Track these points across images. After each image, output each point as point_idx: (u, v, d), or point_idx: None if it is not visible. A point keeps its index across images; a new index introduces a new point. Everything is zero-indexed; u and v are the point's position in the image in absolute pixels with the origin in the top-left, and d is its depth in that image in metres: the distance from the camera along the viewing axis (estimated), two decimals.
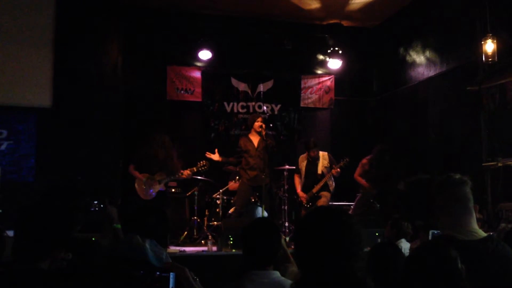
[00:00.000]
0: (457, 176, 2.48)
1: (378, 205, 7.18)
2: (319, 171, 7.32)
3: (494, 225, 5.69)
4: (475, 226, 2.44)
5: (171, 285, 1.13)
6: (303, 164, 7.43)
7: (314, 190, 7.26)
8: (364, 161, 7.43)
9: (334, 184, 7.38)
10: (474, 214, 2.48)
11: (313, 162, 7.35)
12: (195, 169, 6.58)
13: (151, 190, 6.49)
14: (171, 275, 1.15)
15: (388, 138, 8.86)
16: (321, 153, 7.41)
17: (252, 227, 2.71)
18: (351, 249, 1.58)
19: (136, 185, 6.55)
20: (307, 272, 1.62)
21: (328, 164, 7.33)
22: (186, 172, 6.53)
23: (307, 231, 1.66)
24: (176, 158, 6.66)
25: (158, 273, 1.13)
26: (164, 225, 2.65)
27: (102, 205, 2.19)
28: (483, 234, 2.44)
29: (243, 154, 6.92)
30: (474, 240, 2.36)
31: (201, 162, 6.61)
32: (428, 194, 2.51)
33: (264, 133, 6.77)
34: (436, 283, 1.94)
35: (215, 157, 6.87)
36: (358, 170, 7.45)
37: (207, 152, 6.88)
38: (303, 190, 7.38)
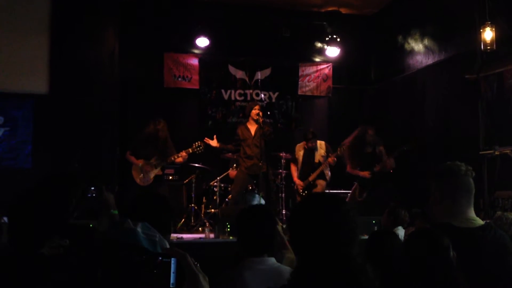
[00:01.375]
0: (462, 165, 2.46)
1: (373, 193, 7.15)
2: (316, 160, 7.33)
3: (490, 213, 5.72)
4: (473, 215, 2.45)
5: (172, 270, 1.11)
6: (300, 153, 7.43)
7: (310, 178, 7.28)
8: (346, 145, 7.18)
9: (330, 173, 7.39)
10: (472, 204, 2.48)
11: (310, 151, 7.35)
12: (190, 150, 6.57)
13: (147, 177, 6.50)
14: (173, 260, 1.13)
15: (385, 126, 8.86)
16: (318, 142, 7.41)
17: (246, 214, 2.72)
18: (348, 235, 1.58)
19: (133, 171, 6.56)
20: (305, 259, 1.62)
21: (325, 153, 7.33)
22: (182, 154, 6.52)
23: (303, 217, 1.66)
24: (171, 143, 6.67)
25: (160, 258, 1.13)
26: (166, 211, 2.64)
27: (98, 191, 2.18)
28: (481, 222, 2.44)
29: (240, 143, 6.91)
30: (470, 228, 2.37)
31: (197, 143, 6.59)
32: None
33: (261, 120, 6.76)
34: (428, 271, 1.96)
35: (213, 143, 6.87)
36: (347, 161, 7.29)
37: (206, 138, 6.86)
38: (300, 178, 7.39)
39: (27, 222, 1.92)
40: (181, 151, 6.57)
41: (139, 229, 2.29)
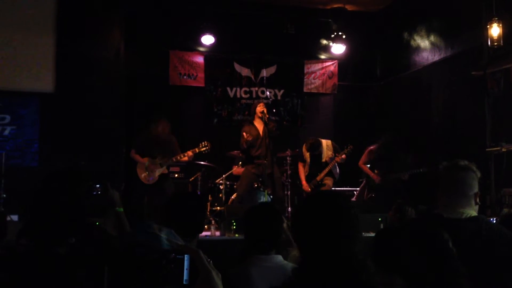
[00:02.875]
0: (464, 162, 2.54)
1: (381, 192, 7.16)
2: (323, 159, 7.30)
3: (497, 211, 5.69)
4: (466, 209, 2.48)
5: (185, 266, 1.12)
6: (307, 154, 7.40)
7: (318, 178, 7.25)
8: (371, 148, 7.33)
9: (338, 171, 7.37)
10: (470, 200, 2.51)
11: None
12: (197, 149, 6.57)
13: (151, 177, 6.51)
14: (186, 257, 1.14)
15: (391, 124, 8.83)
16: (324, 141, 7.38)
17: (254, 212, 2.72)
18: (350, 232, 1.59)
19: (137, 169, 6.57)
20: (306, 256, 1.63)
21: (332, 154, 7.30)
22: (188, 153, 6.53)
23: (305, 215, 1.67)
24: (176, 142, 6.67)
25: (173, 254, 1.14)
26: (201, 210, 2.66)
27: (103, 189, 2.17)
28: (471, 214, 2.47)
29: (249, 145, 6.80)
30: (457, 218, 2.43)
31: (203, 142, 6.59)
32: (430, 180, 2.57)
33: (267, 117, 6.74)
34: (429, 262, 1.98)
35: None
36: (364, 158, 7.38)
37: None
38: (308, 178, 7.34)
39: (49, 220, 1.91)
40: (187, 149, 6.58)
41: (163, 235, 2.30)
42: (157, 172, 6.51)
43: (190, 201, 2.71)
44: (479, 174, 2.55)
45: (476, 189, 2.53)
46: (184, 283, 1.10)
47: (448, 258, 1.99)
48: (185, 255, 1.13)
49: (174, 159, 6.54)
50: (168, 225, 2.37)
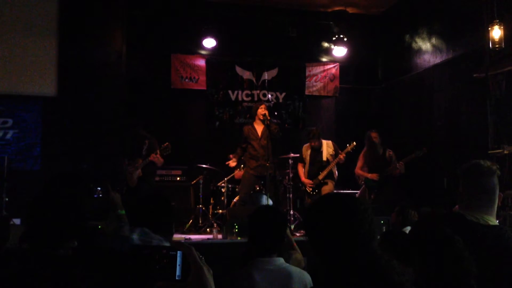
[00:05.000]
0: (487, 164, 2.45)
1: (381, 194, 7.17)
2: (324, 158, 7.31)
3: (500, 213, 5.68)
4: (489, 215, 2.41)
5: (178, 262, 1.16)
6: (307, 153, 7.42)
7: (320, 177, 7.25)
8: (362, 152, 7.41)
9: (337, 172, 7.39)
10: (494, 204, 2.45)
11: (317, 150, 7.35)
12: (158, 151, 6.49)
13: (130, 178, 6.52)
14: (179, 253, 1.18)
15: (393, 126, 8.83)
16: (324, 141, 7.40)
17: (258, 214, 2.71)
18: (369, 233, 1.56)
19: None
20: (330, 261, 1.57)
21: (334, 152, 7.31)
22: (152, 155, 6.47)
23: (324, 219, 1.61)
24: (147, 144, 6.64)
25: (164, 250, 1.18)
26: (166, 213, 2.65)
27: (105, 191, 2.18)
28: (494, 223, 2.42)
29: (247, 142, 6.90)
30: (481, 224, 2.35)
31: (164, 144, 6.54)
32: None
33: (269, 118, 6.73)
34: (437, 260, 1.97)
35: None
36: (359, 163, 7.41)
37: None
38: (308, 178, 7.36)
39: (49, 224, 1.92)
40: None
41: (135, 236, 2.30)
42: (134, 175, 6.52)
43: (154, 205, 2.68)
44: (499, 173, 2.48)
45: (497, 190, 2.47)
46: (176, 278, 1.13)
47: (461, 258, 1.97)
48: (178, 252, 1.16)
49: (140, 161, 6.51)
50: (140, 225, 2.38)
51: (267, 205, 4.50)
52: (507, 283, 2.24)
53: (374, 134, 7.22)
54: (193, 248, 1.19)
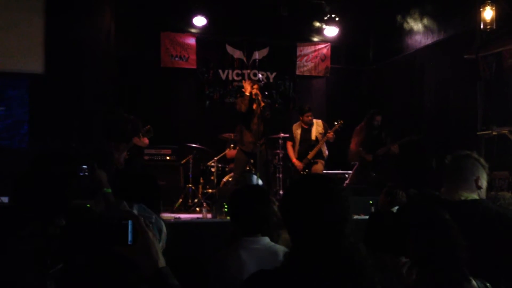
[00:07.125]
0: (465, 152, 2.67)
1: (374, 174, 7.21)
2: (313, 137, 7.32)
3: (488, 194, 5.73)
4: (466, 192, 2.54)
5: (129, 230, 1.37)
6: (297, 132, 7.41)
7: (309, 157, 7.26)
8: (357, 128, 7.40)
9: (327, 151, 7.39)
10: (470, 184, 2.57)
11: (307, 129, 7.33)
12: (141, 134, 6.44)
13: (119, 161, 6.47)
14: (130, 222, 1.38)
15: (384, 107, 8.83)
16: (314, 120, 7.40)
17: (238, 194, 2.72)
18: (340, 215, 1.58)
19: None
20: (298, 239, 1.62)
21: (323, 131, 7.32)
22: (135, 139, 6.41)
23: (295, 198, 1.65)
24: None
25: (118, 220, 1.38)
26: (154, 191, 2.65)
27: (91, 170, 2.16)
28: (471, 197, 2.53)
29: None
30: (455, 201, 2.49)
31: (146, 126, 6.48)
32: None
33: (260, 98, 6.61)
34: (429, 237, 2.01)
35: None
36: (354, 140, 7.39)
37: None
38: (298, 157, 7.37)
39: (34, 202, 1.90)
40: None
41: (135, 211, 2.29)
42: (121, 158, 6.47)
43: (141, 183, 2.72)
44: (482, 162, 2.65)
45: (477, 174, 2.59)
46: (129, 243, 1.36)
47: (448, 230, 2.03)
48: (129, 221, 1.38)
49: (124, 145, 6.44)
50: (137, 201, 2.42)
51: (248, 185, 4.48)
52: (486, 253, 2.28)
53: (378, 118, 7.24)
54: (141, 217, 1.40)
